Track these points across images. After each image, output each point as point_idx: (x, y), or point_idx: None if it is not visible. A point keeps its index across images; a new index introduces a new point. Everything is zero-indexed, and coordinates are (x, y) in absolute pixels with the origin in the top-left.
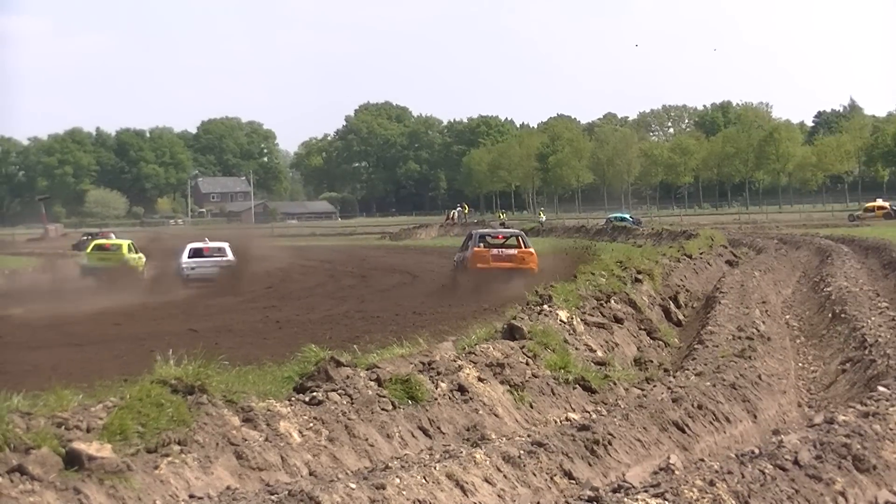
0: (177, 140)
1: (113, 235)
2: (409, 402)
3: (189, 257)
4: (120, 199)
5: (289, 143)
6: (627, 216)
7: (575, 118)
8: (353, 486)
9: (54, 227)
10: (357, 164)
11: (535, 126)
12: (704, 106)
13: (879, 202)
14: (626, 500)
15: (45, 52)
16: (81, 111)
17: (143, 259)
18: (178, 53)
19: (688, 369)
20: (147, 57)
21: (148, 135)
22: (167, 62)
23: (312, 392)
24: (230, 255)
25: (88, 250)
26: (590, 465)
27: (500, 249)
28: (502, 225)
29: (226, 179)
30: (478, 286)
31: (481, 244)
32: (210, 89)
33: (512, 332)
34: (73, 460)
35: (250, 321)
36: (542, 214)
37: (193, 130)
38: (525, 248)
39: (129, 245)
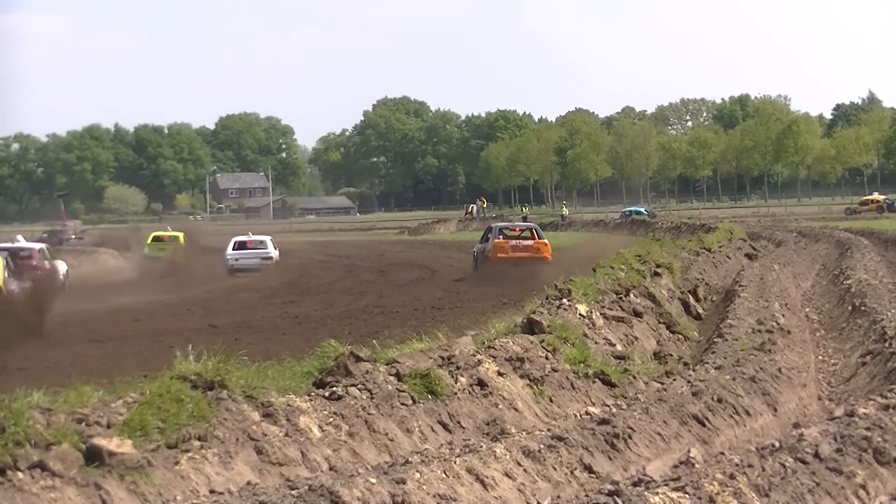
0: (195, 136)
1: (72, 235)
2: (429, 396)
3: (233, 249)
4: (138, 196)
5: (307, 138)
6: (643, 210)
7: (593, 112)
8: (374, 480)
9: (73, 224)
10: (375, 159)
11: (554, 120)
12: (723, 99)
13: (875, 195)
14: (646, 493)
15: (64, 50)
16: (100, 107)
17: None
18: (196, 50)
19: (707, 363)
20: (165, 53)
21: (166, 131)
22: (185, 59)
23: (332, 387)
24: (272, 248)
25: (148, 241)
26: (610, 459)
27: (517, 241)
28: (524, 219)
29: (244, 175)
30: (498, 273)
31: (501, 236)
32: (228, 85)
33: (531, 327)
34: (94, 456)
35: (269, 317)
36: (564, 209)
37: (212, 126)
38: (539, 239)
39: (182, 237)
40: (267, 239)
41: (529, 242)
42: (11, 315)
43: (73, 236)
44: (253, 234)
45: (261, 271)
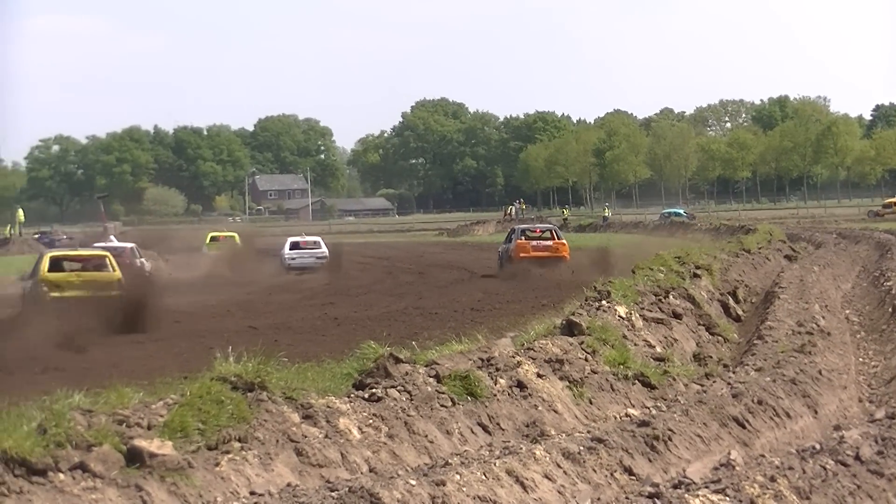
0: (234, 138)
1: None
2: (468, 398)
3: (290, 249)
4: (178, 197)
5: (346, 139)
6: (682, 211)
7: (631, 113)
8: (413, 482)
9: (113, 226)
10: (414, 161)
11: (592, 122)
12: (762, 100)
13: None
14: (686, 496)
15: (103, 52)
16: (139, 109)
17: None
18: (235, 51)
19: (747, 365)
20: (204, 55)
21: (205, 132)
22: (224, 60)
23: (372, 389)
24: (324, 248)
25: (207, 241)
26: (650, 461)
27: (538, 241)
28: (565, 220)
29: (283, 177)
30: (521, 271)
31: (523, 237)
32: (267, 87)
33: (570, 328)
34: (135, 458)
35: (309, 318)
36: (607, 210)
37: (251, 128)
38: (558, 239)
39: (237, 236)
40: (319, 240)
41: (549, 242)
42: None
43: (65, 237)
44: (306, 236)
45: (316, 270)
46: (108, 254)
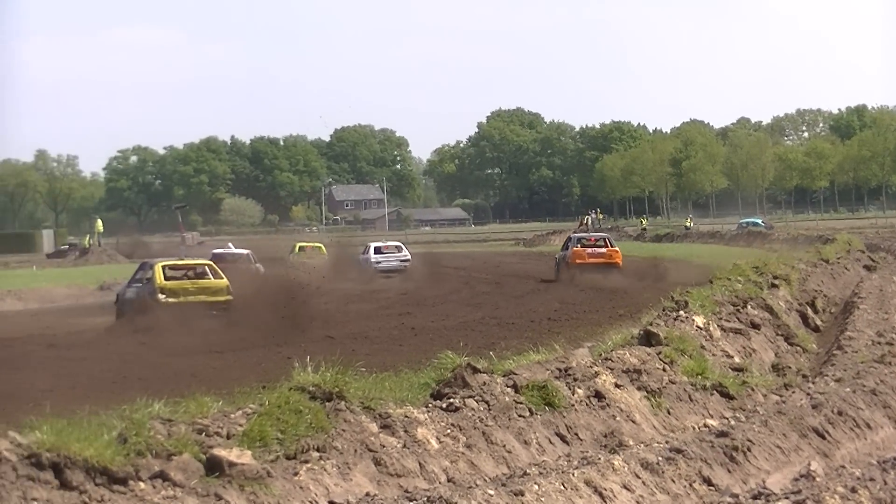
0: (311, 148)
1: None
2: (546, 408)
3: (374, 254)
4: (255, 207)
5: (421, 150)
6: (759, 221)
7: (708, 123)
8: (492, 492)
9: (191, 236)
10: (490, 171)
11: (668, 131)
12: (839, 109)
13: None
14: None
15: (179, 63)
16: (216, 120)
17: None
18: (311, 62)
19: (827, 375)
20: (280, 65)
21: (282, 143)
22: (300, 71)
23: (450, 398)
24: (406, 253)
25: (296, 251)
26: (729, 471)
27: (593, 248)
28: (643, 230)
29: (359, 187)
30: (577, 277)
31: (579, 245)
32: (343, 97)
33: (648, 338)
34: (214, 467)
35: (386, 328)
36: (689, 221)
37: (327, 138)
38: (611, 247)
39: (323, 247)
40: (401, 244)
41: (603, 250)
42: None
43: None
44: (388, 241)
45: (402, 272)
46: (210, 262)
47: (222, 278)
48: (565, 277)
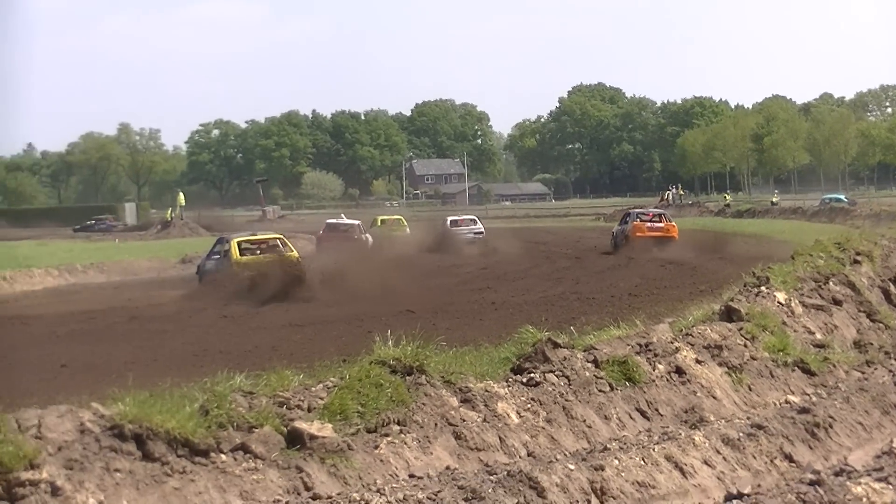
0: (391, 122)
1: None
2: (626, 383)
3: (451, 227)
4: (336, 182)
5: (502, 124)
6: (842, 197)
7: (790, 98)
8: (572, 466)
9: (272, 210)
10: (570, 146)
11: (750, 107)
12: None
13: None
14: (848, 483)
15: (261, 37)
16: (297, 94)
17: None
18: (392, 36)
19: None
20: (361, 40)
21: (363, 117)
22: (381, 45)
23: (530, 373)
24: (480, 226)
25: (377, 224)
26: (810, 448)
27: (651, 223)
28: (727, 206)
29: (440, 161)
30: (636, 248)
31: (638, 219)
32: (424, 72)
33: (729, 314)
34: (295, 439)
35: (466, 302)
36: (776, 196)
37: (408, 113)
38: (669, 222)
39: (403, 219)
40: (476, 217)
41: (661, 224)
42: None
43: (117, 223)
44: (463, 215)
45: (475, 243)
46: (280, 236)
47: (293, 251)
48: (626, 250)
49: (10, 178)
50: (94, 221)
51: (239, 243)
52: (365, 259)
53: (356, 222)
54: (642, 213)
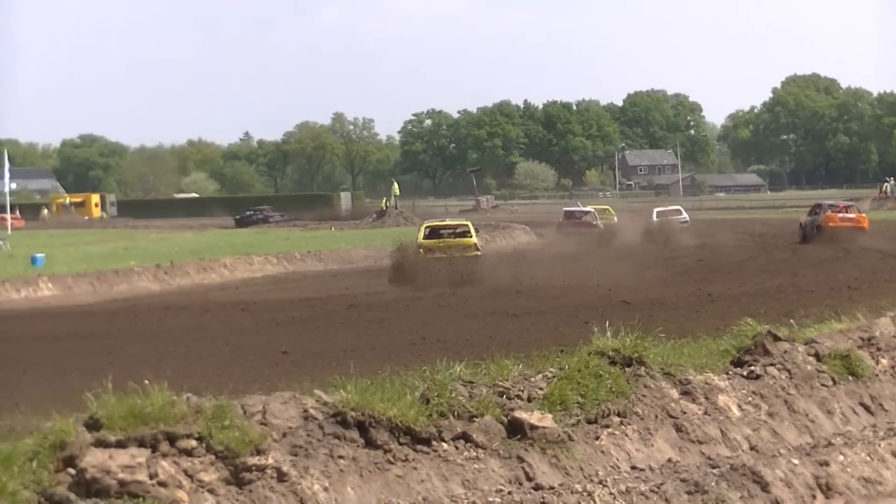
0: (603, 113)
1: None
2: (849, 378)
3: (657, 217)
4: (548, 172)
5: (715, 115)
6: None
7: None
8: (796, 461)
9: (486, 199)
10: (785, 137)
11: None
12: None
13: None
14: None
15: (473, 28)
16: (508, 85)
17: None
18: (603, 26)
19: None
20: (573, 30)
21: (575, 107)
22: (594, 35)
23: (750, 366)
24: (685, 216)
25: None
26: None
27: (842, 214)
28: None
29: (653, 152)
30: (829, 238)
31: (830, 211)
32: (636, 62)
33: None
34: (515, 429)
35: (682, 294)
36: None
37: (619, 103)
38: (860, 213)
39: (611, 209)
40: (680, 208)
41: (852, 216)
42: None
43: (276, 214)
44: (669, 206)
45: (681, 232)
46: (469, 222)
47: (471, 237)
48: (819, 239)
49: (228, 166)
50: (252, 212)
51: (427, 228)
52: (592, 251)
53: (590, 209)
54: (833, 205)
